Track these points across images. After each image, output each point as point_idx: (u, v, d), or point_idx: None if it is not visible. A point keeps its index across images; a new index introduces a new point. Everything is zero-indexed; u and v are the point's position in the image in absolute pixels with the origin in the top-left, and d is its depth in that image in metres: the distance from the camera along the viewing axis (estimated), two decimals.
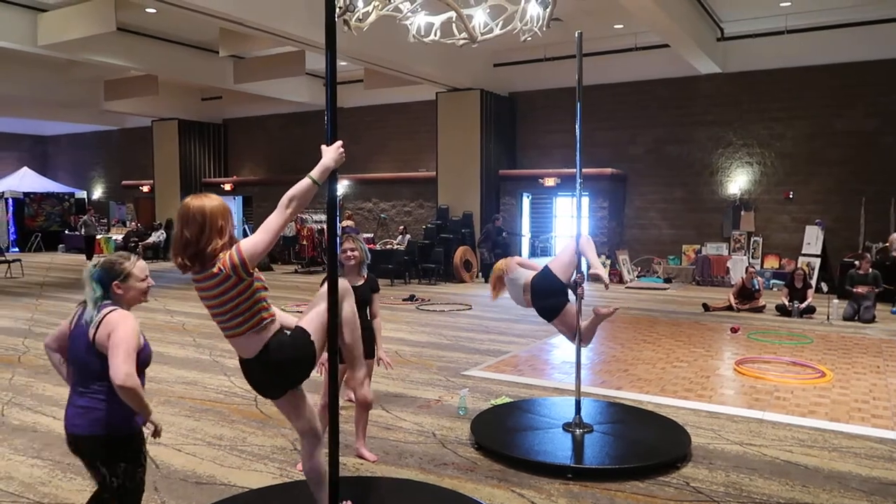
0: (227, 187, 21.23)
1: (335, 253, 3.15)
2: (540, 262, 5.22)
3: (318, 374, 4.20)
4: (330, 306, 3.15)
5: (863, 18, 12.69)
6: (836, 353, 7.84)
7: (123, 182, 24.04)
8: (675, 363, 7.26)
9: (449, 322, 9.86)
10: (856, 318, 9.99)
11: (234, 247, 2.71)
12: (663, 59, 14.09)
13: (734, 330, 9.03)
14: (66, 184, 25.74)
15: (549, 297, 4.86)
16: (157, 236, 20.30)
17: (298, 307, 10.97)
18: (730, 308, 10.89)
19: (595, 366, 7.15)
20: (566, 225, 20.79)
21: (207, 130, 21.95)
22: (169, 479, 4.10)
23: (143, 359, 2.72)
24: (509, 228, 15.97)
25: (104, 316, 2.63)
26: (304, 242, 17.30)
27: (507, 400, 5.73)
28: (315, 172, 2.80)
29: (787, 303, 10.53)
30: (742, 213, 14.47)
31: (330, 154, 2.84)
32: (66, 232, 23.59)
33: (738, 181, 14.56)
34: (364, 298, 4.33)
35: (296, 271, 16.80)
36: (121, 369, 2.51)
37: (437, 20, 5.92)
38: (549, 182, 15.60)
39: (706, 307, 11.00)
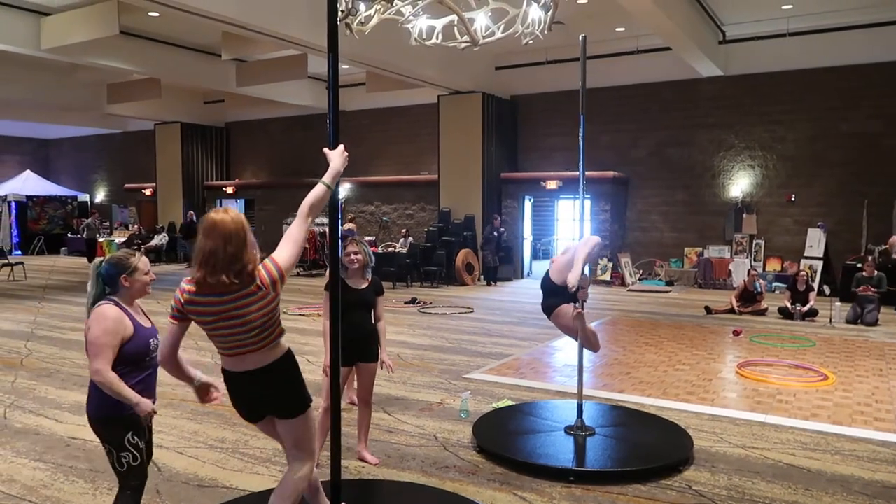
0: (230, 190, 21.26)
1: (338, 257, 3.15)
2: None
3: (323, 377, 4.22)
4: (332, 309, 3.15)
5: (864, 21, 12.69)
6: (838, 356, 7.82)
7: (126, 185, 24.11)
8: (678, 366, 7.26)
9: (451, 325, 9.86)
10: (858, 321, 9.97)
11: (268, 261, 2.70)
12: (665, 62, 14.10)
13: (736, 333, 9.01)
14: (69, 187, 25.79)
15: (545, 297, 4.90)
16: (160, 239, 20.32)
17: (301, 310, 10.97)
18: (732, 311, 10.88)
19: (597, 369, 7.14)
20: (568, 228, 20.82)
21: (210, 134, 21.99)
22: (171, 482, 4.10)
23: (131, 350, 2.88)
24: (509, 230, 15.98)
25: (93, 312, 2.88)
26: (307, 245, 17.33)
27: (509, 403, 5.73)
28: (328, 178, 2.83)
29: (789, 306, 10.52)
30: (744, 215, 14.46)
31: (338, 158, 2.87)
32: (69, 235, 23.62)
33: (739, 184, 14.55)
34: (368, 301, 4.33)
35: (297, 274, 16.82)
36: (91, 366, 2.81)
37: (439, 24, 5.93)
38: (551, 185, 15.60)
39: (708, 310, 10.99)
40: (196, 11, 9.57)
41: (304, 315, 10.56)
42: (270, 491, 3.91)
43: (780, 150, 14.18)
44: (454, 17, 5.63)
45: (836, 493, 4.01)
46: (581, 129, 4.87)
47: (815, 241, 13.54)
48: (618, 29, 13.81)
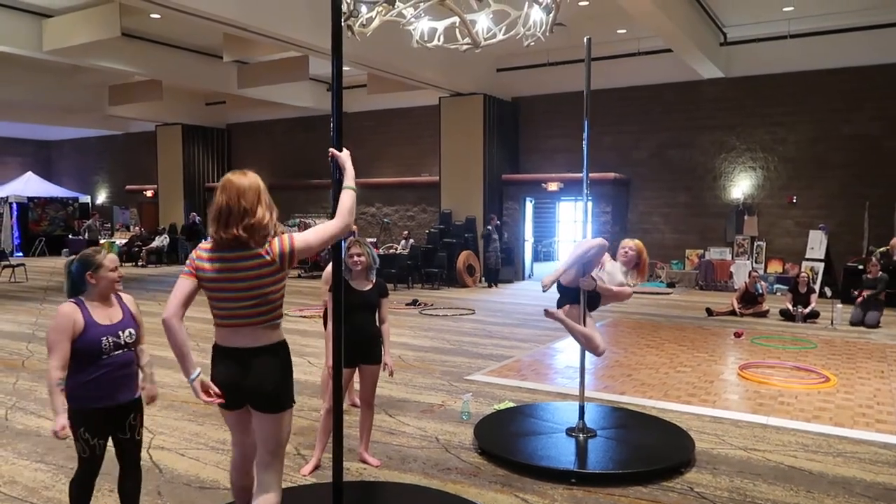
0: None
1: (340, 259, 3.15)
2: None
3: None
4: (335, 311, 3.15)
5: (866, 23, 12.69)
6: (840, 357, 7.82)
7: (127, 187, 24.13)
8: (679, 368, 7.25)
9: (452, 327, 9.86)
10: (862, 323, 9.97)
11: (286, 236, 2.72)
12: (666, 64, 14.10)
13: (738, 335, 9.01)
14: (70, 188, 25.82)
15: (558, 298, 4.84)
16: (161, 241, 20.33)
17: (302, 312, 10.97)
18: (733, 313, 10.87)
19: (598, 370, 7.14)
20: (569, 229, 20.82)
21: (211, 135, 22.02)
22: (172, 484, 4.10)
23: (79, 346, 2.98)
24: (510, 232, 15.99)
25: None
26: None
27: (511, 404, 5.72)
28: (351, 182, 2.85)
29: (790, 307, 10.51)
30: (745, 217, 14.46)
31: (349, 161, 2.88)
32: (70, 236, 23.64)
33: (741, 185, 14.55)
34: (372, 303, 4.32)
35: (299, 276, 16.81)
36: (48, 368, 2.96)
37: (441, 25, 5.93)
38: (552, 187, 15.61)
39: (709, 312, 10.99)
40: (197, 13, 9.59)
41: (305, 317, 10.56)
42: None
43: (782, 151, 14.17)
44: (455, 19, 5.63)
45: (837, 495, 4.00)
46: (585, 131, 4.87)
47: (817, 243, 13.53)
48: (619, 31, 13.82)
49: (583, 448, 4.60)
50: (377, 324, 4.37)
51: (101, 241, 20.72)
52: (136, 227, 22.81)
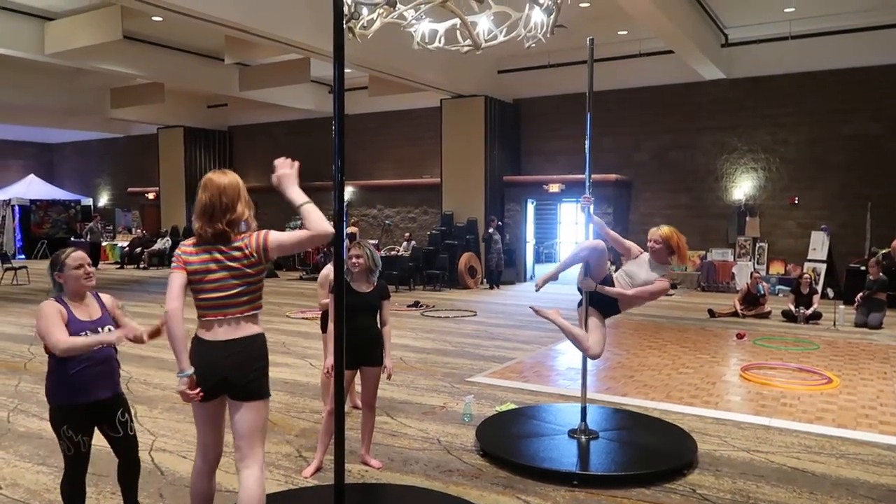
0: None
1: (342, 261, 3.15)
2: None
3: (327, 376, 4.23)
4: (336, 312, 3.15)
5: (867, 24, 12.68)
6: (842, 359, 7.80)
7: (129, 189, 24.16)
8: (681, 369, 7.24)
9: (454, 328, 9.85)
10: (865, 325, 9.96)
11: (261, 232, 2.91)
12: (667, 65, 14.10)
13: (740, 336, 8.99)
14: (72, 191, 25.85)
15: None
16: (163, 243, 20.35)
17: (304, 314, 10.97)
18: (735, 314, 10.86)
19: (600, 372, 7.13)
20: (570, 231, 20.81)
21: (213, 137, 22.04)
22: (174, 486, 4.10)
23: (74, 330, 3.10)
24: (512, 234, 15.98)
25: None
26: (309, 249, 17.33)
27: (513, 406, 5.72)
28: (302, 198, 2.89)
29: (793, 309, 10.50)
30: (747, 218, 14.45)
31: (291, 181, 2.91)
32: (73, 239, 23.65)
33: (742, 187, 14.54)
34: (372, 304, 4.31)
35: (300, 278, 16.82)
36: (50, 345, 3.04)
37: (442, 27, 5.93)
38: (554, 188, 15.60)
39: (711, 313, 10.97)
40: (199, 16, 9.60)
41: (306, 318, 10.56)
42: (273, 495, 3.92)
43: (783, 152, 14.17)
44: (457, 21, 5.63)
45: (840, 496, 3.99)
46: (588, 132, 4.87)
47: (819, 244, 13.51)
48: (620, 32, 13.82)
49: (585, 450, 4.59)
50: (378, 326, 4.37)
51: (104, 244, 20.78)
52: (138, 230, 22.85)
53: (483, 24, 5.83)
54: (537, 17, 5.58)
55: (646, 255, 4.59)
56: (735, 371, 7.13)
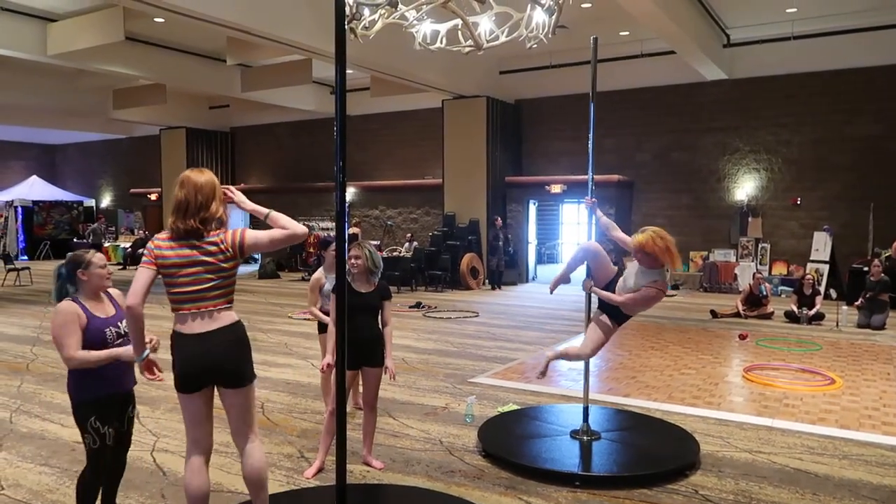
0: None
1: (344, 261, 3.15)
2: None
3: (321, 371, 4.24)
4: (337, 312, 3.15)
5: (869, 24, 12.66)
6: (845, 359, 7.79)
7: (131, 190, 24.18)
8: (683, 370, 7.23)
9: (456, 329, 9.85)
10: (868, 325, 9.94)
11: (238, 230, 3.04)
12: (669, 66, 14.09)
13: (742, 337, 8.98)
14: (75, 192, 25.89)
15: None
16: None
17: (305, 314, 10.97)
18: (738, 315, 10.84)
19: (602, 373, 7.12)
20: (572, 232, 20.80)
21: (215, 139, 22.06)
22: (176, 486, 4.10)
23: (87, 338, 3.14)
24: (514, 234, 15.97)
25: (52, 311, 3.21)
26: (311, 250, 17.35)
27: (515, 407, 5.71)
28: (262, 208, 3.17)
29: (795, 309, 10.47)
30: (749, 219, 14.42)
31: (242, 197, 3.23)
32: (75, 240, 23.69)
33: (745, 187, 14.52)
34: (373, 305, 4.29)
35: (302, 279, 16.82)
36: (63, 358, 3.13)
37: (443, 28, 5.93)
38: (556, 189, 15.59)
39: (714, 314, 10.96)
40: (201, 17, 9.61)
41: (308, 319, 10.55)
42: (275, 495, 3.92)
43: (785, 153, 14.15)
44: (458, 22, 5.63)
45: (843, 497, 3.98)
46: (590, 131, 4.86)
47: (821, 245, 13.48)
48: (622, 33, 13.81)
49: (587, 451, 4.58)
50: (380, 327, 4.36)
51: (106, 245, 20.79)
52: (141, 231, 22.87)
53: (484, 24, 5.83)
54: (539, 17, 5.57)
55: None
56: (737, 372, 7.11)
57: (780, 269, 14.18)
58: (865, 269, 11.17)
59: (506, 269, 15.26)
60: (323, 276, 5.16)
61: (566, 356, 4.73)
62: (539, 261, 18.25)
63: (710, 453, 4.68)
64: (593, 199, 4.78)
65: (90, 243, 19.99)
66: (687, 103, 14.98)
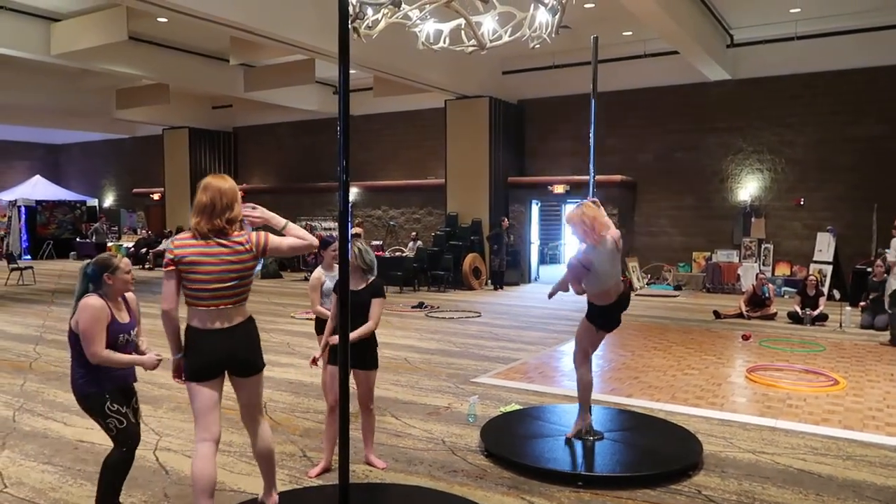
0: None
1: (347, 261, 3.15)
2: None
3: (313, 367, 4.24)
4: (340, 312, 3.15)
5: (873, 24, 12.63)
6: (849, 360, 7.77)
7: (134, 190, 24.22)
8: (686, 371, 7.22)
9: (458, 329, 9.85)
10: (872, 326, 9.91)
11: (262, 233, 3.26)
12: (672, 66, 14.07)
13: (745, 337, 8.96)
14: (78, 192, 25.94)
15: None
16: (167, 244, 20.40)
17: (308, 314, 10.98)
18: (741, 315, 10.82)
19: (605, 373, 7.12)
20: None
21: (218, 139, 22.08)
22: (179, 486, 4.10)
23: (114, 330, 3.34)
24: (517, 235, 15.96)
25: (79, 305, 3.33)
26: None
27: (517, 407, 5.71)
28: (281, 220, 3.38)
29: (799, 310, 10.45)
30: (752, 219, 14.40)
31: (265, 212, 3.38)
32: (78, 239, 23.76)
33: (748, 188, 14.49)
34: (363, 302, 4.14)
35: (305, 279, 16.83)
36: (88, 352, 3.27)
37: (446, 27, 5.93)
38: (559, 189, 15.58)
39: (717, 314, 10.94)
40: (204, 17, 9.62)
41: (310, 319, 10.55)
42: (279, 494, 3.92)
43: (789, 153, 14.12)
44: (461, 21, 5.63)
45: (847, 498, 3.97)
46: (591, 130, 4.86)
47: (825, 246, 13.46)
48: (625, 33, 13.80)
49: (590, 451, 4.58)
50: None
51: (109, 245, 20.83)
52: (144, 231, 22.90)
53: (488, 24, 5.83)
54: (542, 17, 5.57)
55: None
56: (741, 372, 7.10)
57: (783, 270, 14.15)
58: (869, 269, 11.14)
59: (508, 270, 15.25)
60: (323, 275, 5.16)
61: (578, 387, 4.76)
62: (542, 261, 18.23)
63: (714, 454, 4.67)
64: (594, 199, 4.79)
65: (94, 242, 20.03)
66: (690, 104, 14.96)
